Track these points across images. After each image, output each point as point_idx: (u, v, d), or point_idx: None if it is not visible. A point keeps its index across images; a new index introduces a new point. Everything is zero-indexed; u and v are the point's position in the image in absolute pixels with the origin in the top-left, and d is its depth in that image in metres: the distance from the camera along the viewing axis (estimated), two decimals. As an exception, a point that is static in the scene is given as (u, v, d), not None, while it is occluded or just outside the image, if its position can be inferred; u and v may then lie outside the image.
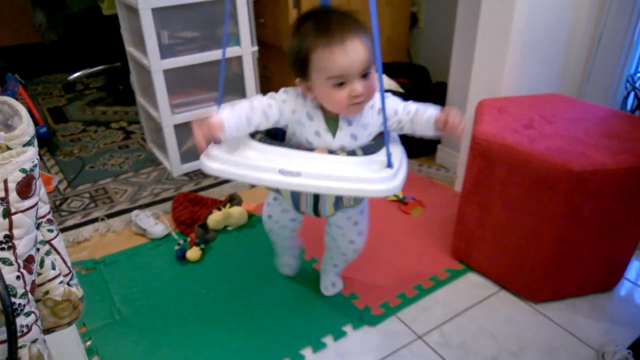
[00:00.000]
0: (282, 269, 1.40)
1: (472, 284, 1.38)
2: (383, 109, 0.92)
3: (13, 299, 0.44)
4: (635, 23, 1.56)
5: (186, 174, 1.94)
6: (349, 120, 0.99)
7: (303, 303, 1.33)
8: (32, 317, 0.47)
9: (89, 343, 1.21)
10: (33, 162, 0.47)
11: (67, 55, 2.79)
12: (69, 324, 0.57)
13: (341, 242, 1.21)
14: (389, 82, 1.91)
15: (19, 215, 0.46)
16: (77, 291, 0.58)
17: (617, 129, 1.27)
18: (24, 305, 0.46)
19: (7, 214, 0.45)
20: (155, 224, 1.61)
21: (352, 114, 0.98)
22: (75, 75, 2.80)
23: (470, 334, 1.23)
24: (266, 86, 2.08)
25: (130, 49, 1.93)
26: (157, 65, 1.71)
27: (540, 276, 1.29)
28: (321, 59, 0.90)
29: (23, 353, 0.46)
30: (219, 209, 1.65)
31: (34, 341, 0.48)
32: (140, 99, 2.03)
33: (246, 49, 1.86)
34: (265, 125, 0.98)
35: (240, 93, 1.95)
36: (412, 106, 1.00)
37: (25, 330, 0.46)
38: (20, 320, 0.46)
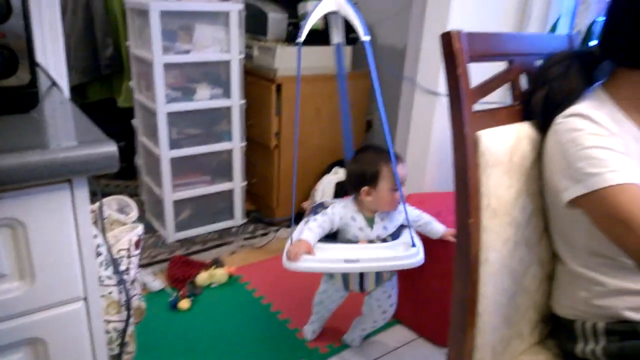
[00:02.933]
0: (308, 335, 1.76)
1: (398, 332, 1.83)
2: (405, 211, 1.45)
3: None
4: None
5: (178, 241, 2.38)
6: (382, 217, 1.47)
7: (268, 343, 1.74)
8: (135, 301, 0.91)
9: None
10: (142, 231, 0.93)
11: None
12: (137, 323, 1.01)
13: (376, 312, 1.63)
14: (346, 174, 2.43)
15: (133, 258, 0.91)
16: (143, 304, 1.01)
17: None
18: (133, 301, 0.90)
19: (129, 256, 0.90)
20: (154, 280, 2.03)
21: (391, 210, 1.47)
22: (84, 151, 3.26)
23: (394, 368, 1.67)
24: (250, 173, 2.58)
25: (142, 138, 2.43)
26: (166, 154, 2.20)
27: (447, 326, 1.74)
28: (390, 173, 1.40)
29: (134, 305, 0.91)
30: (206, 270, 2.08)
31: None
32: (145, 177, 2.50)
33: (236, 144, 2.37)
34: (325, 233, 1.46)
35: (229, 177, 2.44)
36: (424, 216, 1.57)
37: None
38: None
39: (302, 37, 1.37)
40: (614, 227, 0.83)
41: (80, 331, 0.73)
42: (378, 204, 1.45)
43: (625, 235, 0.81)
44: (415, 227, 1.55)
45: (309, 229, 1.40)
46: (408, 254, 1.39)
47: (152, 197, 2.49)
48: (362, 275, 1.53)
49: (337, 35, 1.54)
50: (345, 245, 1.44)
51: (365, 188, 1.43)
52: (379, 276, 1.54)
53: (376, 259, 1.38)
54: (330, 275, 1.59)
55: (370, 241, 1.46)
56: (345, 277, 1.55)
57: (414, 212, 1.56)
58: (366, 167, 1.45)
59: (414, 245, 1.41)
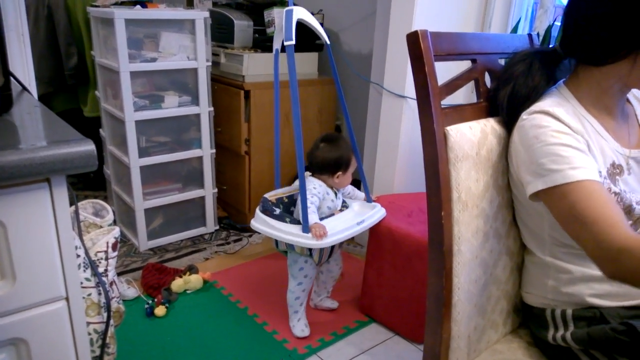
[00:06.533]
0: (303, 332, 1.79)
1: (374, 331, 1.85)
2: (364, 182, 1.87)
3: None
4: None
5: (151, 249, 2.35)
6: (339, 191, 1.79)
7: (246, 346, 1.74)
8: (114, 303, 0.91)
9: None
10: (118, 233, 0.93)
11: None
12: (116, 326, 1.00)
13: (334, 270, 1.87)
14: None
15: (111, 260, 0.91)
16: (122, 307, 1.01)
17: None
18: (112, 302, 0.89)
19: (107, 258, 0.89)
20: (128, 288, 2.00)
21: (345, 186, 1.82)
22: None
23: (370, 365, 1.70)
24: (220, 179, 2.57)
25: (110, 147, 2.40)
26: (136, 163, 2.18)
27: (421, 323, 1.78)
28: (353, 162, 1.74)
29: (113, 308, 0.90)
30: (180, 277, 2.06)
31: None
32: (115, 186, 2.46)
33: (206, 151, 2.37)
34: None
35: (200, 185, 2.43)
36: (353, 189, 1.91)
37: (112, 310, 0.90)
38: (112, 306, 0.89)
39: (293, 39, 1.51)
40: (570, 223, 0.87)
41: (63, 331, 0.73)
42: (340, 184, 1.77)
43: (581, 231, 0.84)
44: (346, 196, 1.88)
45: (313, 212, 1.65)
46: (379, 209, 1.80)
47: (122, 206, 2.46)
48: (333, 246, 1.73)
49: (277, 42, 1.75)
50: (337, 216, 1.73)
51: (339, 173, 1.73)
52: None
53: (371, 215, 1.75)
54: (309, 255, 1.70)
55: (340, 210, 1.77)
56: (322, 250, 1.71)
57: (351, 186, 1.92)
58: (341, 155, 1.72)
59: (369, 201, 1.86)
